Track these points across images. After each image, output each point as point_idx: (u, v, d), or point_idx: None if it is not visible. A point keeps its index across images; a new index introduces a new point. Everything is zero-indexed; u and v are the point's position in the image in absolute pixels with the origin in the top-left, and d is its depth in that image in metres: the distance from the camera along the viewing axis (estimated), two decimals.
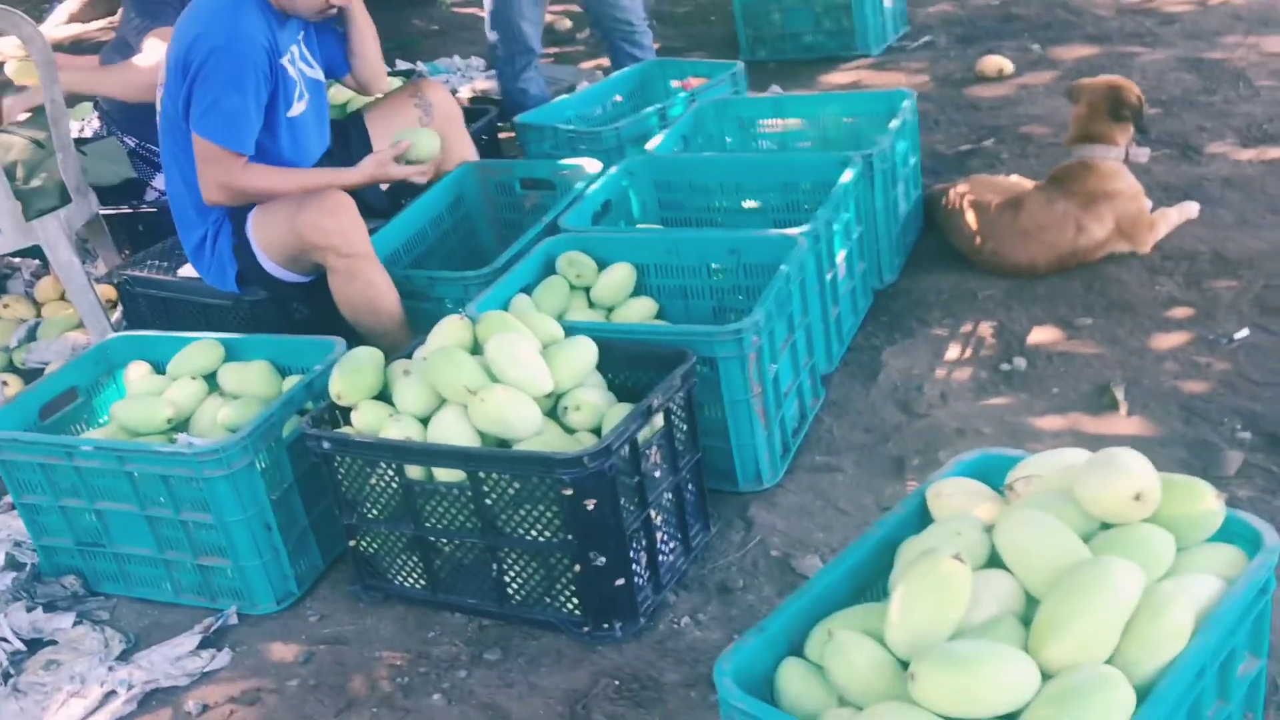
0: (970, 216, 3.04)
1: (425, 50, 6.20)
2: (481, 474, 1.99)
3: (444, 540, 2.12)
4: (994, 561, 1.48)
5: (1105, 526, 1.49)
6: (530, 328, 2.22)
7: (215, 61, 2.53)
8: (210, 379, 2.50)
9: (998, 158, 3.70)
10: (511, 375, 2.10)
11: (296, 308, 2.80)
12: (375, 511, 2.15)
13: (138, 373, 2.57)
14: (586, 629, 2.04)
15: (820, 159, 2.92)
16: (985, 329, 2.81)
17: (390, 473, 2.08)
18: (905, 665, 1.38)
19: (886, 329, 2.89)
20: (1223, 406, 2.39)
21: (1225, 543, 1.49)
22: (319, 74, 2.83)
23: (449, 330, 2.22)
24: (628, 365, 2.27)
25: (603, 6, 4.02)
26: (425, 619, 2.19)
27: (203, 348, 2.50)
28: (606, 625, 2.04)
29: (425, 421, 2.13)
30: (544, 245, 2.70)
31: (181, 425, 2.41)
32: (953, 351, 2.75)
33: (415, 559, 2.17)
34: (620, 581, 2.01)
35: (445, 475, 2.05)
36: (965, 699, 1.26)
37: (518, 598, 2.10)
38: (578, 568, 1.99)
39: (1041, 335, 2.75)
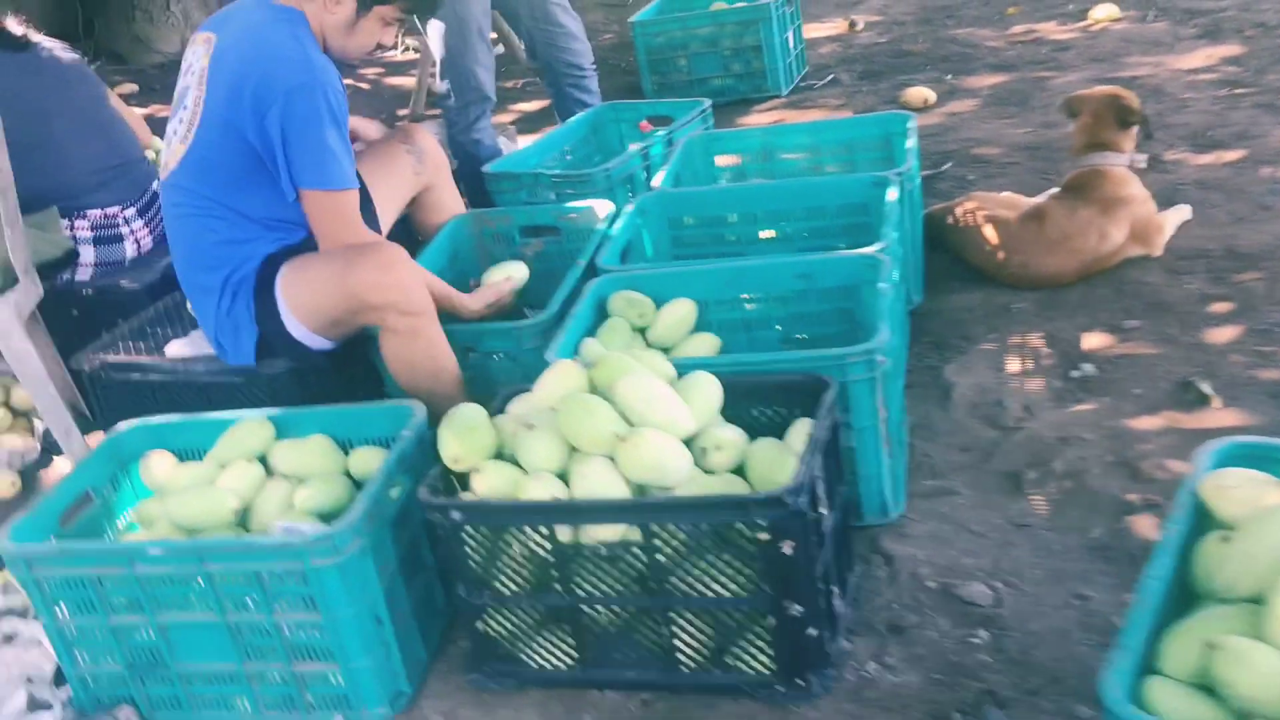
0: (990, 231, 3.02)
1: None
2: (655, 526, 1.78)
3: (600, 608, 1.89)
4: None
5: None
6: (645, 367, 2.03)
7: (314, 99, 2.28)
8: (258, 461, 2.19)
9: (964, 179, 3.73)
10: (653, 418, 1.91)
11: (314, 380, 2.51)
12: (514, 585, 1.90)
13: (162, 464, 2.23)
14: (780, 688, 1.85)
15: (850, 181, 2.84)
16: (1034, 340, 2.78)
17: (538, 538, 1.85)
18: None
19: (935, 348, 2.82)
20: None
21: None
22: None
23: (563, 377, 2.01)
24: (747, 399, 2.10)
25: (553, 51, 3.88)
26: (572, 702, 1.95)
27: (251, 427, 2.19)
28: (801, 681, 1.85)
29: (560, 477, 1.92)
30: (593, 287, 2.52)
31: (244, 518, 2.09)
32: (1013, 364, 2.70)
33: (559, 634, 1.93)
34: (813, 631, 1.83)
35: (604, 534, 1.83)
36: None
37: (691, 664, 1.89)
38: (770, 620, 1.80)
39: (1095, 341, 2.74)
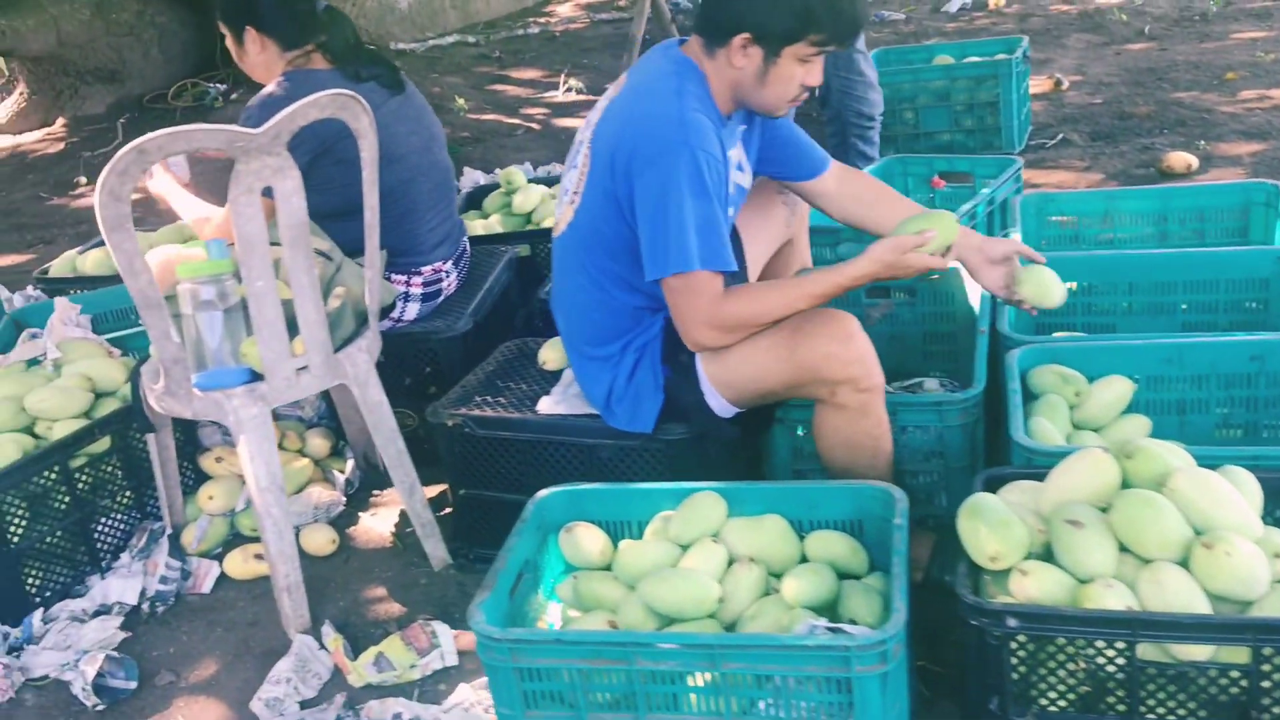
0: None
1: (471, 158, 5.75)
2: (1269, 650, 1.57)
3: None
4: None
5: None
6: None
7: (675, 166, 2.02)
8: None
9: None
10: (1223, 520, 1.70)
11: (712, 447, 2.31)
12: (1063, 702, 1.69)
13: (593, 538, 2.04)
14: None
15: (1252, 255, 2.64)
16: None
17: (1110, 654, 1.63)
18: None
19: None
20: None
21: None
22: (749, 179, 2.36)
23: (1095, 469, 1.80)
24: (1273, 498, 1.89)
25: (847, 100, 3.72)
26: None
27: (708, 503, 1.99)
28: None
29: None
30: (1018, 359, 2.32)
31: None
32: None
33: None
34: None
35: (1193, 653, 1.62)
36: None
37: None
38: None
39: None
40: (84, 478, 2.63)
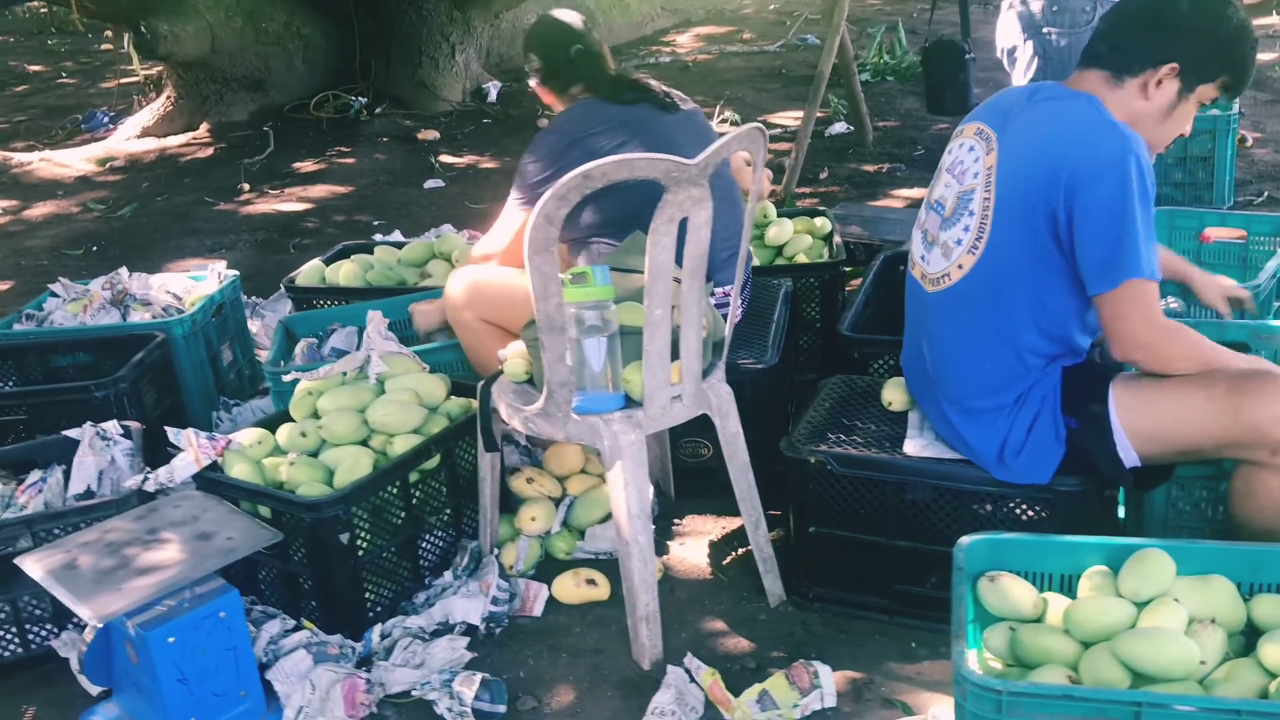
0: None
1: None
2: None
3: None
4: None
5: None
6: None
7: (1125, 173, 2.03)
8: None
9: None
10: None
11: (1099, 503, 2.28)
12: None
13: (1022, 589, 1.99)
14: None
15: None
16: None
17: None
18: None
19: None
20: None
21: None
22: None
23: None
24: None
25: None
26: None
27: (1160, 560, 1.95)
28: None
29: None
30: None
31: None
32: None
33: None
34: None
35: None
36: None
37: None
38: None
39: None
40: (417, 493, 2.62)
